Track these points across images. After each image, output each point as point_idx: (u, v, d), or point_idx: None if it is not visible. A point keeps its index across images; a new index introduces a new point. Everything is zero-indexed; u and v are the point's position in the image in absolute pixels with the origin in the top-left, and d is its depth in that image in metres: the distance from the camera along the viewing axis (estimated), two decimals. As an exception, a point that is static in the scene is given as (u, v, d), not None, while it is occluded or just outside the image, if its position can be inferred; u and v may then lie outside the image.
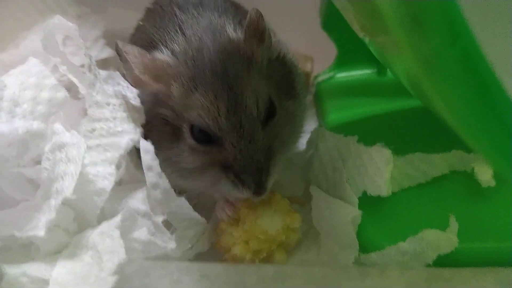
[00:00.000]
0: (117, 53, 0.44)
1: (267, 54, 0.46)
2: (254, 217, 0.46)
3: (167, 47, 0.46)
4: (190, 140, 0.43)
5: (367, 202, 0.47)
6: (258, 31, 0.44)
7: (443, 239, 0.44)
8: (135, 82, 0.45)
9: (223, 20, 0.48)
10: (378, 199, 0.47)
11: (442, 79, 0.29)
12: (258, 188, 0.42)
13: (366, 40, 0.40)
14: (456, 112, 0.30)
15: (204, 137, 0.43)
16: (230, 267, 0.44)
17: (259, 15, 0.44)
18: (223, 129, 0.42)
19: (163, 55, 0.45)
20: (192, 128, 0.43)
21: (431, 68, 0.28)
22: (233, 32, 0.46)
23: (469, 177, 0.50)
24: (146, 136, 0.45)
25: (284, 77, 0.48)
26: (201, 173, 0.44)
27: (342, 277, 0.43)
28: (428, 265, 0.44)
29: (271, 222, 0.46)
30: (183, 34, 0.46)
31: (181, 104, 0.43)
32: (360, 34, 0.40)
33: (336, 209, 0.47)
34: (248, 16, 0.44)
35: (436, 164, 0.50)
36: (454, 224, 0.45)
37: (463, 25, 0.26)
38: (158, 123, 0.46)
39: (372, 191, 0.47)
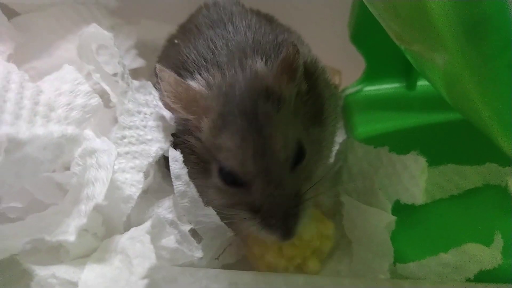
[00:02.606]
0: (155, 75, 0.44)
1: (297, 89, 0.44)
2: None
3: (201, 75, 0.45)
4: (217, 180, 0.42)
5: (397, 213, 0.46)
6: (291, 68, 0.43)
7: (487, 254, 0.43)
8: (167, 107, 0.45)
9: (256, 49, 0.46)
10: (408, 211, 0.47)
11: (491, 84, 0.28)
12: (286, 233, 0.41)
13: (402, 47, 0.39)
14: (501, 118, 0.30)
15: (232, 178, 0.41)
16: (259, 276, 0.43)
17: (296, 52, 0.43)
18: (250, 173, 0.40)
19: (197, 85, 0.44)
20: (220, 169, 0.42)
21: (479, 73, 0.28)
22: (264, 66, 0.44)
23: (503, 191, 0.49)
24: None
25: (314, 103, 0.46)
26: (227, 209, 0.43)
27: (374, 289, 0.42)
28: (468, 280, 0.43)
29: (305, 228, 0.45)
30: (218, 64, 0.45)
31: (210, 142, 0.42)
32: (396, 42, 0.39)
33: (369, 216, 0.46)
34: (285, 51, 0.43)
35: (469, 176, 0.49)
36: (499, 240, 0.44)
37: None
38: (184, 150, 0.45)
39: (406, 200, 0.47)
